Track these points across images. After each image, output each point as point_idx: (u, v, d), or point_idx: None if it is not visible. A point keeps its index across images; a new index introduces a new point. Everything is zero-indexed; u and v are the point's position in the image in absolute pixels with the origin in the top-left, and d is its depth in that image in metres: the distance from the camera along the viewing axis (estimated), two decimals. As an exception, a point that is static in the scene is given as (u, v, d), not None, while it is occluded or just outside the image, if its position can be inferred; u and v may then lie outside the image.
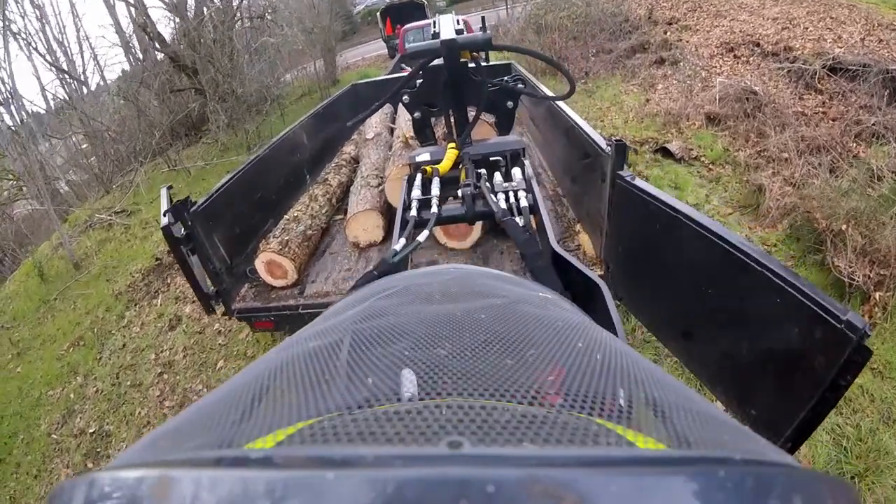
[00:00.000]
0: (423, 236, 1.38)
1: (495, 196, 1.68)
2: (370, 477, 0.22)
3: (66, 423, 4.67)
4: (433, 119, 2.35)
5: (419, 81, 2.14)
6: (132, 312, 5.98)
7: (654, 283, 2.09)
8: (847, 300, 3.99)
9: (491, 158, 2.06)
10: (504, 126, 2.31)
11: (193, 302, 5.37)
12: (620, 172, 2.13)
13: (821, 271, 4.37)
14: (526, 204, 1.63)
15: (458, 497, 0.21)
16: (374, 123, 4.16)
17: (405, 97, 2.17)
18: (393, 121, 4.48)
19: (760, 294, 1.39)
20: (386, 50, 18.25)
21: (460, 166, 2.02)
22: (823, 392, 1.22)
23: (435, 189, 1.78)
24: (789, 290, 1.29)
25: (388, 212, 3.15)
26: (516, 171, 1.88)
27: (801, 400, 1.27)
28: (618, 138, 2.16)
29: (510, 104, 2.21)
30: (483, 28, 2.33)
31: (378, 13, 18.71)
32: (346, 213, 3.23)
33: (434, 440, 0.28)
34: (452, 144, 2.06)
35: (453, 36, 1.90)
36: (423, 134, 2.34)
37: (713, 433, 0.36)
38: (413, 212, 1.67)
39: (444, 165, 1.96)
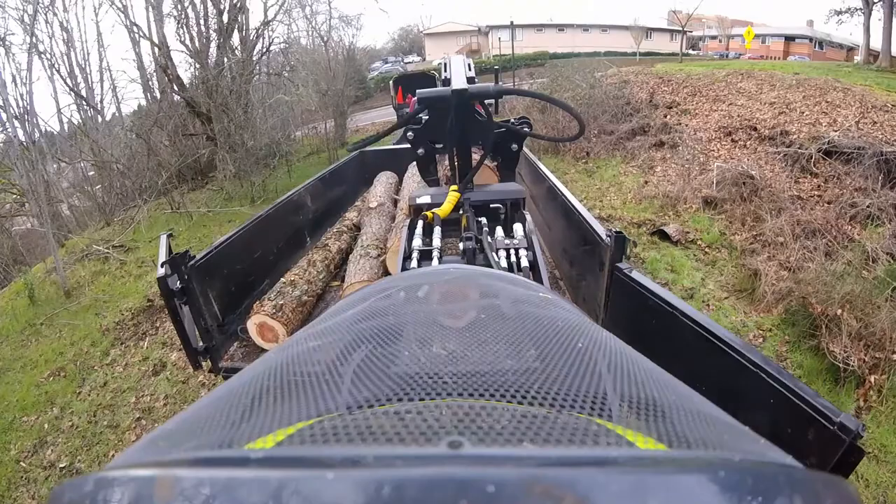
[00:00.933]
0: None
1: (497, 253, 1.69)
2: (370, 477, 0.22)
3: (37, 453, 4.52)
4: (437, 156, 2.36)
5: (425, 118, 2.15)
6: (117, 351, 5.88)
7: None
8: (842, 385, 3.99)
9: (491, 206, 2.08)
10: (508, 168, 2.31)
11: (180, 349, 5.28)
12: (619, 265, 2.14)
13: (815, 357, 4.36)
14: (526, 263, 1.65)
15: (459, 497, 0.21)
16: (378, 194, 4.23)
17: (409, 133, 2.16)
18: (397, 192, 4.54)
19: (754, 394, 1.39)
20: (395, 117, 18.80)
21: (461, 211, 2.04)
22: None
23: (436, 240, 1.79)
24: (783, 391, 1.29)
25: (384, 285, 3.12)
26: (517, 228, 1.90)
27: None
28: (618, 230, 2.19)
29: (514, 147, 2.21)
30: (496, 81, 2.31)
31: (391, 81, 19.44)
32: (342, 280, 3.23)
33: (434, 440, 0.28)
34: (454, 188, 2.08)
35: (465, 86, 1.91)
36: (427, 171, 2.33)
37: (713, 433, 0.36)
38: (414, 263, 1.68)
39: (445, 209, 1.98)
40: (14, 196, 10.33)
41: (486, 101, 2.08)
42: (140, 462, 0.28)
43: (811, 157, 7.64)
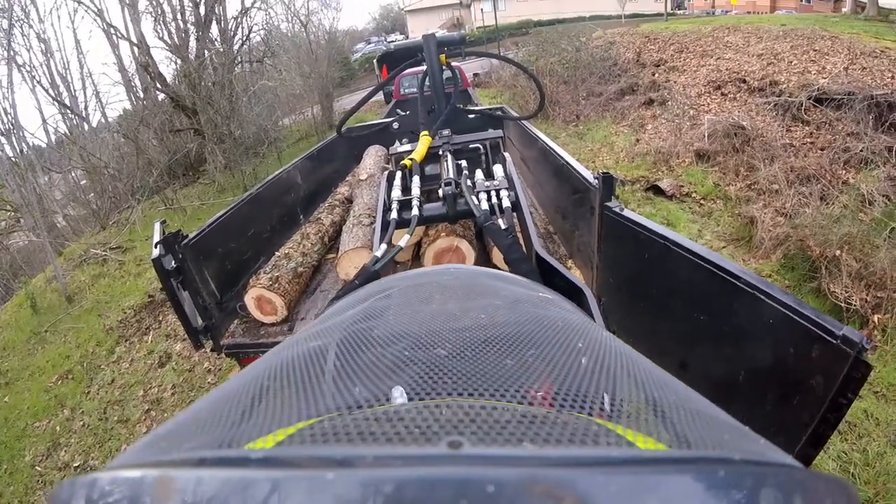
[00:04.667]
0: (404, 241, 1.38)
1: (477, 197, 1.67)
2: (370, 477, 0.22)
3: (51, 456, 4.58)
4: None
5: (406, 114, 2.30)
6: (122, 348, 5.92)
7: (647, 313, 2.06)
8: (845, 325, 3.99)
9: (471, 146, 2.06)
10: (496, 153, 2.35)
11: (184, 340, 5.33)
12: (608, 204, 2.12)
13: (817, 298, 4.38)
14: (508, 203, 1.64)
15: (458, 497, 0.21)
16: (368, 166, 4.18)
17: (395, 125, 2.30)
18: (387, 162, 4.51)
19: (753, 316, 1.35)
20: (382, 96, 18.68)
21: (441, 153, 2.04)
22: (825, 413, 1.16)
23: (415, 189, 1.77)
24: (781, 309, 1.25)
25: (379, 251, 3.12)
26: (497, 169, 1.89)
27: (802, 422, 1.22)
28: (605, 171, 2.17)
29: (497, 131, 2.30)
30: (459, 28, 2.53)
31: (375, 60, 19.14)
32: (337, 251, 3.22)
33: (434, 440, 0.28)
34: (425, 132, 2.12)
35: (433, 31, 2.09)
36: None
37: (713, 433, 0.36)
38: (394, 214, 1.67)
39: (420, 152, 2.00)
40: (8, 212, 10.31)
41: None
42: (140, 462, 0.27)
43: (802, 105, 7.56)
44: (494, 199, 1.67)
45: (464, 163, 2.02)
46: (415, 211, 1.65)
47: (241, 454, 0.27)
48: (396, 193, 1.78)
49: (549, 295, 0.76)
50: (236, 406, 0.41)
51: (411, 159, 1.95)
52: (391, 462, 0.23)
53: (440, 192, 1.76)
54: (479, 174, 1.91)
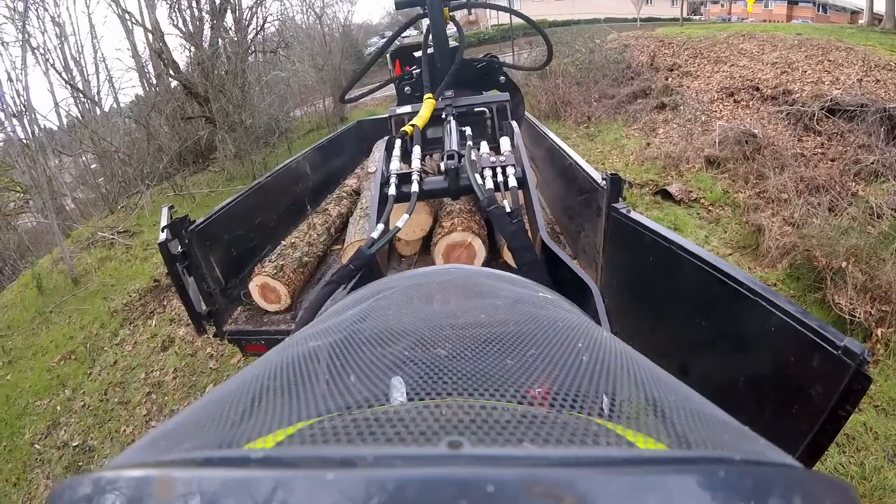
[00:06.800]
0: (402, 221, 1.30)
1: (482, 174, 1.57)
2: (370, 477, 0.22)
3: (51, 435, 4.63)
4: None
5: (409, 84, 2.22)
6: (126, 331, 5.97)
7: (649, 316, 2.05)
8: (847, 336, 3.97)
9: (476, 109, 2.01)
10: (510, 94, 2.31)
11: (187, 325, 5.37)
12: (615, 205, 2.10)
13: (821, 309, 4.36)
14: (514, 182, 1.54)
15: (458, 497, 0.21)
16: (377, 158, 4.14)
17: (407, 89, 2.27)
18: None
19: (755, 323, 1.34)
20: (395, 91, 18.53)
21: (444, 116, 1.97)
22: (823, 423, 1.15)
23: (415, 161, 1.66)
24: (783, 316, 1.24)
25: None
26: (504, 142, 1.78)
27: (800, 432, 1.22)
28: (613, 172, 2.15)
29: (501, 79, 2.24)
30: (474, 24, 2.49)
31: (388, 55, 19.03)
32: (343, 243, 3.22)
33: (434, 440, 0.28)
34: (429, 95, 2.05)
35: None
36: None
37: (713, 433, 0.36)
38: (392, 189, 1.57)
39: (423, 116, 1.92)
40: (18, 193, 10.38)
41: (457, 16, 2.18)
42: (140, 462, 0.28)
43: (814, 116, 7.51)
44: (500, 177, 1.58)
45: (468, 129, 1.94)
46: (414, 187, 1.53)
47: (241, 454, 0.27)
48: (395, 165, 1.67)
49: (550, 295, 0.76)
50: (236, 406, 0.41)
51: (413, 125, 1.84)
52: (391, 462, 0.23)
53: (441, 165, 1.66)
54: (483, 146, 1.78)
